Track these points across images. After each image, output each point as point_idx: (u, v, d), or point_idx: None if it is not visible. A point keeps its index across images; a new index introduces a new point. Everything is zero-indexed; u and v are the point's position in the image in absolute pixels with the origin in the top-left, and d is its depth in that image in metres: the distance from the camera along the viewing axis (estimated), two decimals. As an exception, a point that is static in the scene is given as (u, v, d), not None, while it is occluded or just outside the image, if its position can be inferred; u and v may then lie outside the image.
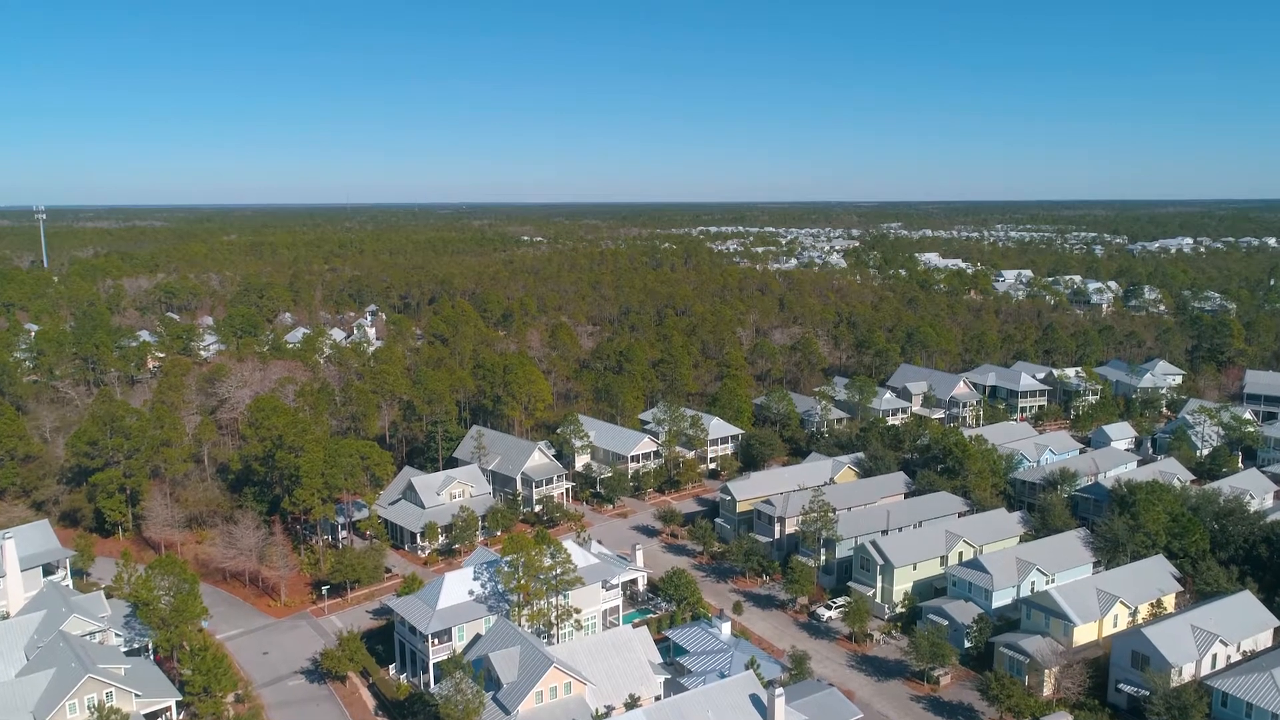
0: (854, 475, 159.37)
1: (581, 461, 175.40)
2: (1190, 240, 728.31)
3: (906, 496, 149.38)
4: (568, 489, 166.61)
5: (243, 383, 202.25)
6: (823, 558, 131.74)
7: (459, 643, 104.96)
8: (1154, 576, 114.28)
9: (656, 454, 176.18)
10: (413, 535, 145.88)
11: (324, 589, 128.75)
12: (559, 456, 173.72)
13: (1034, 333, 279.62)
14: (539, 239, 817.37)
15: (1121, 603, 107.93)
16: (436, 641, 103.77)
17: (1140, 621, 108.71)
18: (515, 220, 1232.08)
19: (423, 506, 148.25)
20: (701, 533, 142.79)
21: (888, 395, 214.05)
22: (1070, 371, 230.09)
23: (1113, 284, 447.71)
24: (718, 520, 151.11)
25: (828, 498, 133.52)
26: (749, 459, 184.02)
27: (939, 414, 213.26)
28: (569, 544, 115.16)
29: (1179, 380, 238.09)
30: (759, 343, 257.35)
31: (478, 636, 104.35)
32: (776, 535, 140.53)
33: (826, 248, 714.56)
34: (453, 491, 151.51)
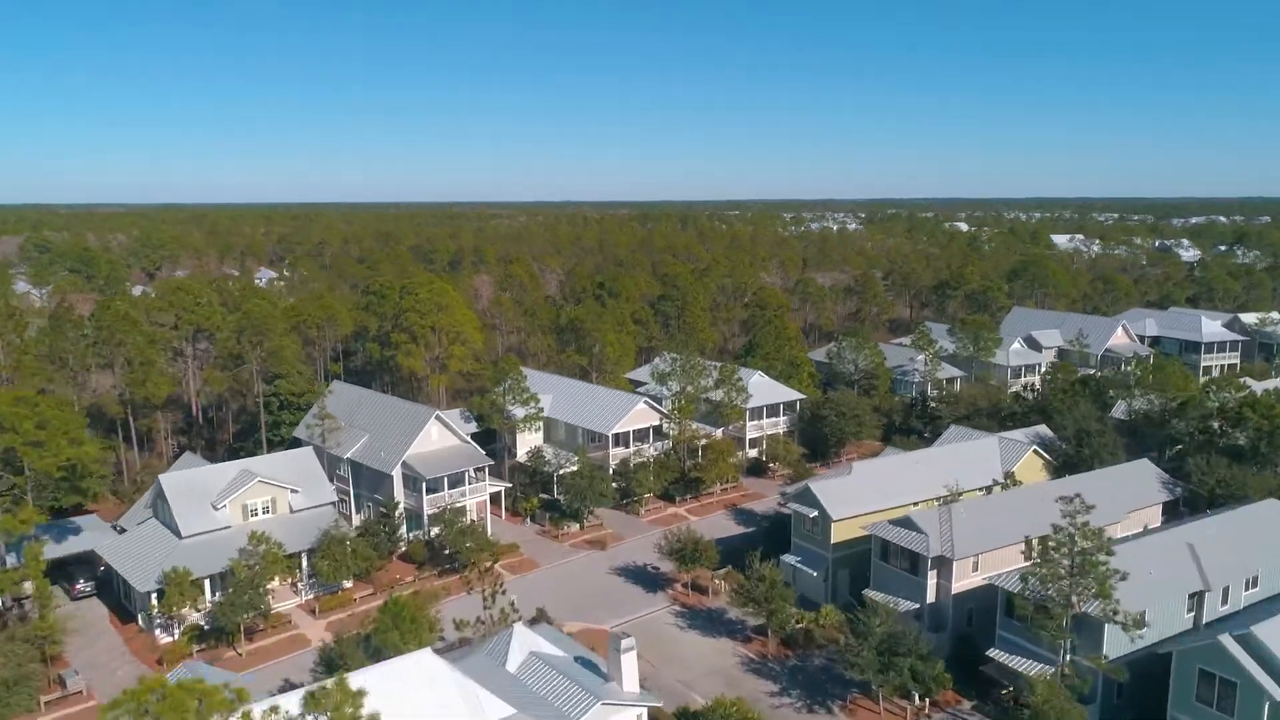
0: (1041, 467, 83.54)
1: (528, 445, 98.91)
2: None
3: (1182, 507, 73.87)
4: (500, 495, 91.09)
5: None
6: (1066, 654, 55.37)
7: None
8: None
9: (659, 431, 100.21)
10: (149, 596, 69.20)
11: None
12: (487, 439, 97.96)
13: (1178, 272, 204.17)
14: (521, 219, 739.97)
15: None
16: None
17: None
18: (501, 215, 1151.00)
19: (178, 535, 71.65)
20: (761, 588, 66.27)
21: (1015, 345, 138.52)
22: (1276, 316, 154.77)
23: (1185, 242, 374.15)
24: (787, 560, 74.90)
25: (1010, 508, 59.05)
26: (814, 442, 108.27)
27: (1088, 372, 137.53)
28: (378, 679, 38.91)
29: None
30: (801, 280, 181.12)
31: None
32: (931, 597, 64.52)
33: (838, 221, 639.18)
34: (248, 502, 74.95)
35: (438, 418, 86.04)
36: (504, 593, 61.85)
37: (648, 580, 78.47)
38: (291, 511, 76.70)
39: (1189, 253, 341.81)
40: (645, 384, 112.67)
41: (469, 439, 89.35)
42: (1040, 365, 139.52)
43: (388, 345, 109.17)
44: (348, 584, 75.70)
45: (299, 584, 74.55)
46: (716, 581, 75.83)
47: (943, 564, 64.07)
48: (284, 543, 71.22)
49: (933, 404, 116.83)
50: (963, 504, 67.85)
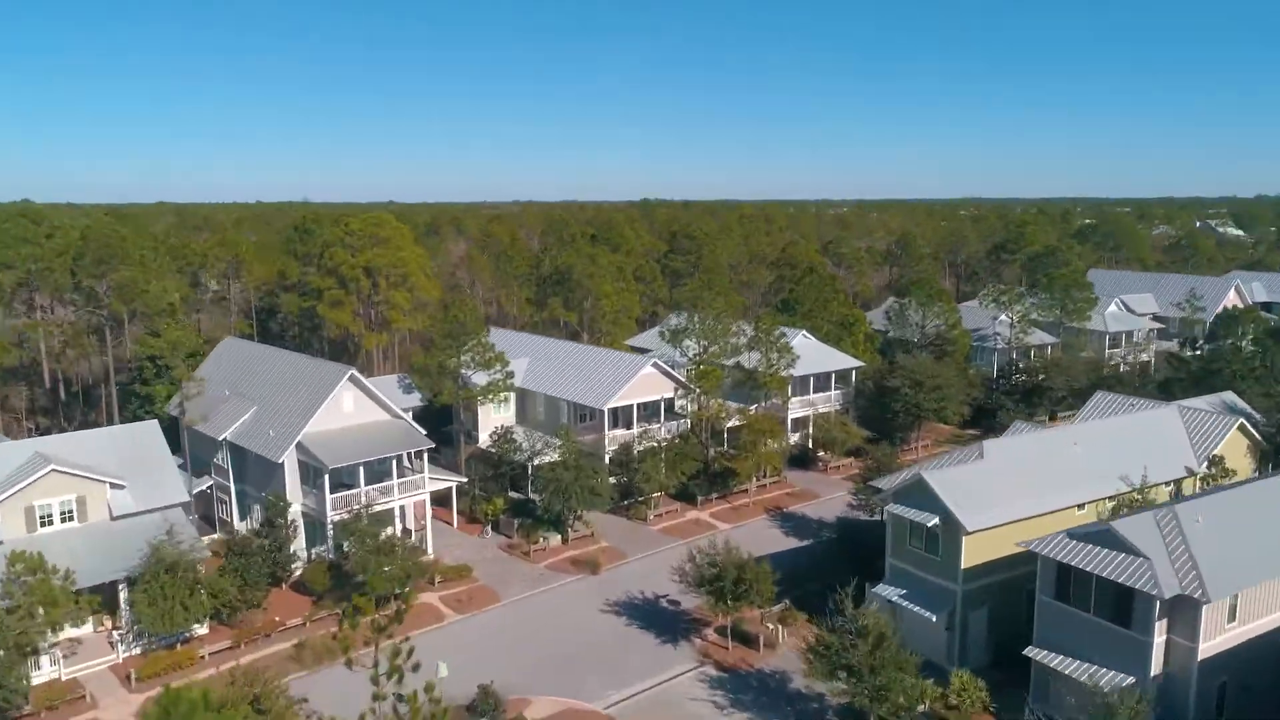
0: (1245, 449, 56.80)
1: (493, 425, 72.01)
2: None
3: None
4: (451, 493, 64.42)
5: None
6: None
7: None
8: None
9: (671, 407, 73.40)
10: None
11: None
12: (441, 419, 71.34)
13: (1271, 234, 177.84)
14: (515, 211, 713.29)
15: None
16: None
17: None
18: (495, 210, 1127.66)
19: (-93, 556, 44.73)
20: (861, 649, 39.20)
21: (1112, 308, 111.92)
22: None
23: (1230, 223, 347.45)
24: (881, 594, 47.82)
25: (1261, 512, 32.74)
26: (875, 424, 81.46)
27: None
28: None
29: None
30: (836, 238, 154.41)
31: None
32: (1157, 665, 37.62)
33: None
34: (37, 503, 48.08)
35: (352, 379, 59.09)
36: (415, 668, 34.82)
37: (663, 623, 51.62)
38: (113, 518, 49.87)
39: (1237, 233, 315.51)
40: (651, 350, 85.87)
41: (403, 414, 62.46)
42: (1135, 332, 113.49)
43: (308, 294, 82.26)
44: (201, 629, 48.92)
45: (117, 633, 47.79)
46: (771, 627, 48.98)
47: (1178, 608, 37.23)
48: (84, 568, 44.66)
49: (1021, 376, 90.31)
50: (1191, 507, 40.97)
